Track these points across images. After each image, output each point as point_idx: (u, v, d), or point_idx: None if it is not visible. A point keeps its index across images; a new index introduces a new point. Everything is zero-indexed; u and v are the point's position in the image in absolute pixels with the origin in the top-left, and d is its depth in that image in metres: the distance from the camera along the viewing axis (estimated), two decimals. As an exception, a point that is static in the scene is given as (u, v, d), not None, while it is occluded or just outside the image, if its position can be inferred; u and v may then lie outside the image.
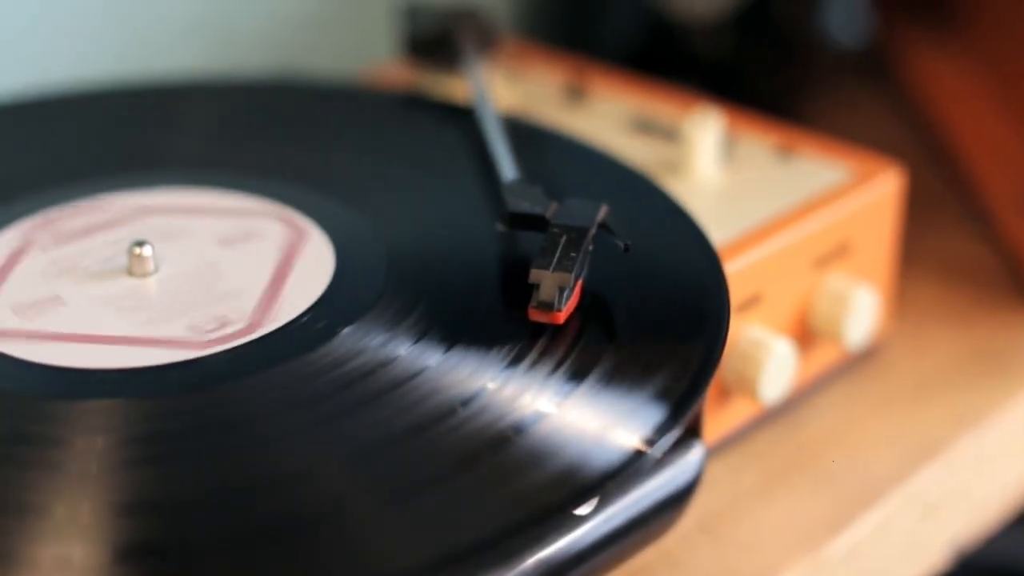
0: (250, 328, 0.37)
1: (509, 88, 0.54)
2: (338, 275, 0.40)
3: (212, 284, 0.39)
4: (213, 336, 0.37)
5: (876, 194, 0.48)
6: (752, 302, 0.44)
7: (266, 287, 0.39)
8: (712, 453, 0.44)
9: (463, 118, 0.49)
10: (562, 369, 0.36)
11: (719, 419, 0.45)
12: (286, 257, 0.41)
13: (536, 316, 0.37)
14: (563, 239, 0.38)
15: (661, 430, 0.35)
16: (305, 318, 0.38)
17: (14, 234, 0.42)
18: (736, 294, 0.42)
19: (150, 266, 0.40)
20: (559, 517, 0.33)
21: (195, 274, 0.40)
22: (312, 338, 0.37)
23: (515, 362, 0.36)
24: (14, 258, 0.41)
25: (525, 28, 0.69)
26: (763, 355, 0.44)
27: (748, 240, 0.44)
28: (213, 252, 0.41)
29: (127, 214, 0.43)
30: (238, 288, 0.39)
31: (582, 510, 0.33)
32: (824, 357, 0.48)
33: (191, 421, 0.35)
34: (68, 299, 0.39)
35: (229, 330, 0.37)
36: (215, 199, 0.44)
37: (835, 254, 0.47)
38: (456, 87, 0.53)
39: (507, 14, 0.69)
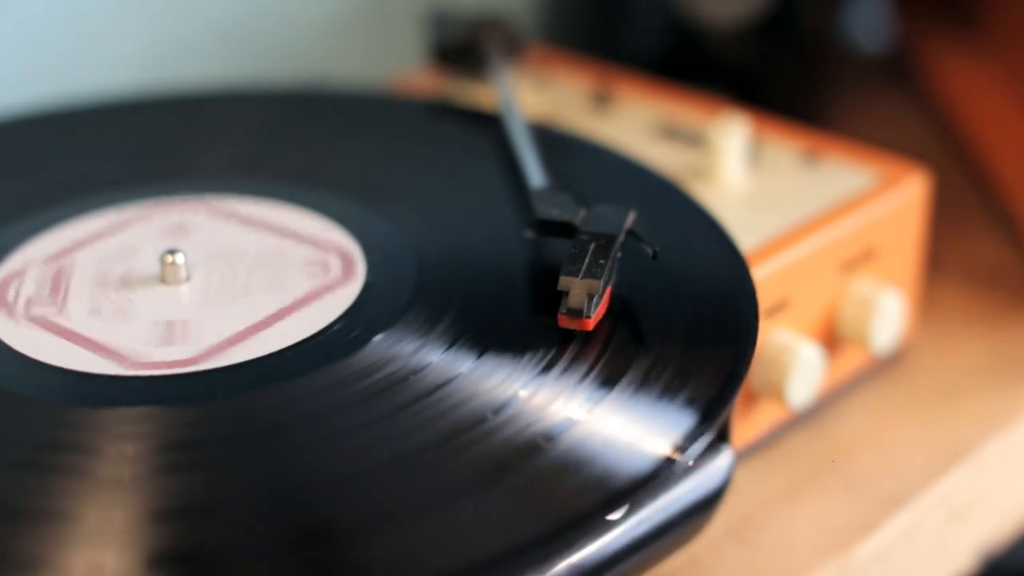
0: (282, 336, 0.38)
1: (536, 95, 0.55)
2: (369, 283, 0.40)
3: (244, 292, 0.40)
4: (244, 345, 0.37)
5: (902, 198, 0.48)
6: (779, 307, 0.45)
7: (299, 296, 0.39)
8: (740, 457, 0.44)
9: (490, 125, 0.49)
10: (592, 376, 0.36)
11: (747, 424, 0.45)
12: (317, 265, 0.41)
13: (565, 323, 0.37)
14: (592, 246, 0.39)
15: (692, 436, 0.35)
16: (337, 326, 0.38)
17: (61, 236, 0.42)
18: (763, 299, 0.42)
19: (182, 274, 0.40)
20: (589, 523, 0.33)
21: (226, 281, 0.40)
22: (344, 346, 0.37)
23: (546, 369, 0.36)
24: (58, 257, 0.41)
25: (551, 35, 0.69)
26: (790, 360, 0.44)
27: (775, 245, 0.44)
28: (243, 259, 0.41)
29: (158, 222, 0.43)
30: (270, 296, 0.39)
31: (612, 516, 0.33)
32: (851, 361, 0.48)
33: (223, 428, 0.35)
34: (101, 306, 0.39)
35: (261, 338, 0.38)
36: (245, 207, 0.44)
37: (862, 258, 0.47)
38: (483, 94, 0.53)
39: (533, 21, 0.69)
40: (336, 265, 0.41)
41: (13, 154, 0.49)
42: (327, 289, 0.40)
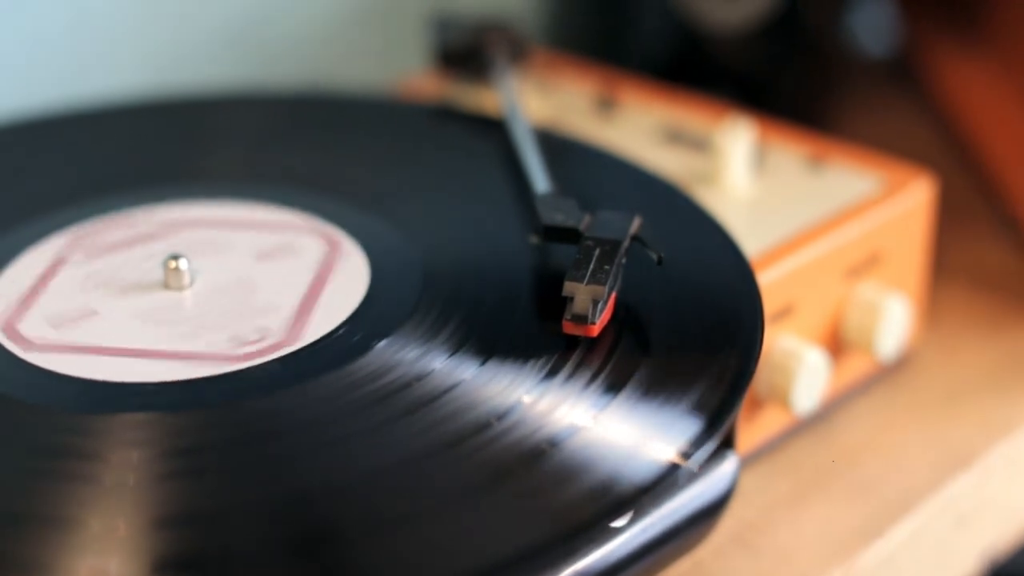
0: (285, 342, 0.38)
1: (540, 99, 0.55)
2: (373, 288, 0.40)
3: (248, 298, 0.40)
4: (248, 350, 0.37)
5: (908, 203, 0.48)
6: (784, 312, 0.44)
7: (302, 301, 0.39)
8: (745, 463, 0.44)
9: (494, 130, 0.49)
10: (597, 382, 0.36)
11: (752, 429, 0.45)
12: (322, 271, 0.41)
13: (570, 329, 0.37)
14: (597, 251, 0.38)
15: (697, 443, 0.35)
16: (340, 332, 0.38)
17: (50, 247, 0.42)
18: (768, 305, 0.42)
19: (186, 279, 0.40)
20: (594, 530, 0.33)
21: (231, 288, 0.40)
22: (347, 352, 0.37)
23: (550, 375, 0.36)
24: (51, 271, 0.41)
25: (555, 39, 0.69)
26: (795, 365, 0.44)
27: (780, 251, 0.44)
28: (249, 265, 0.41)
29: (162, 227, 0.43)
30: (274, 302, 0.39)
31: (617, 523, 0.33)
32: (856, 367, 0.48)
33: (226, 435, 0.35)
34: (104, 312, 0.39)
35: (264, 344, 0.38)
36: (249, 212, 0.44)
37: (867, 264, 0.47)
38: (487, 98, 0.53)
39: (537, 25, 0.69)
40: (339, 274, 0.40)
41: (16, 158, 0.49)
42: (330, 296, 0.39)
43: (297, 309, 0.39)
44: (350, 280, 0.40)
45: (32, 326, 0.39)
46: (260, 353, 0.37)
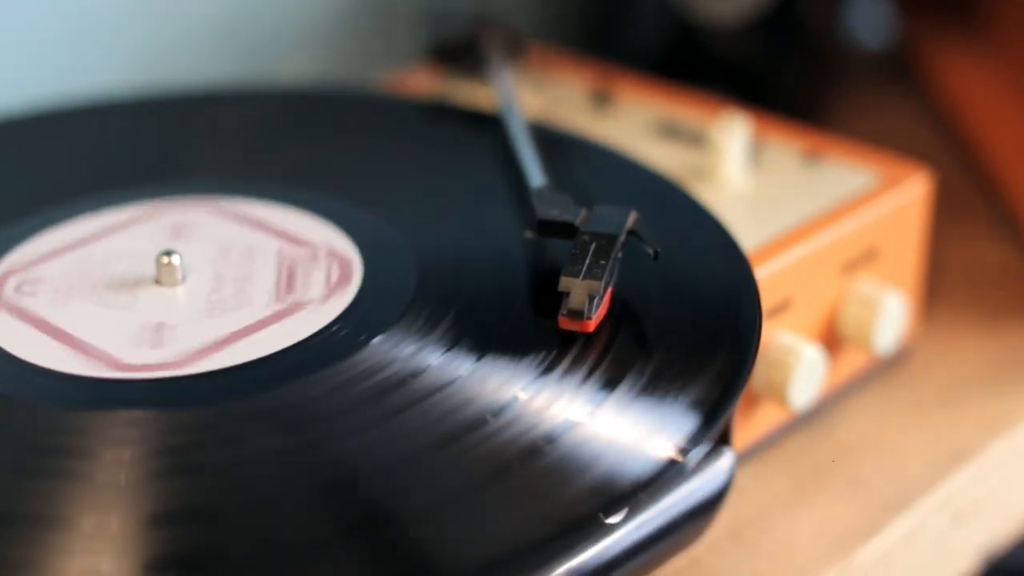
0: (279, 338, 0.37)
1: (535, 94, 0.54)
2: (367, 284, 0.40)
3: (240, 294, 0.39)
4: (241, 346, 0.37)
5: (904, 198, 0.48)
6: (780, 308, 0.44)
7: (296, 299, 0.39)
8: (741, 459, 0.44)
9: (490, 125, 0.49)
10: (593, 378, 0.36)
11: (748, 425, 0.45)
12: (314, 267, 0.41)
13: (566, 324, 0.37)
14: (592, 246, 0.38)
15: (694, 439, 0.34)
16: (335, 328, 0.38)
17: (45, 242, 0.42)
18: (765, 300, 0.42)
19: (178, 275, 0.40)
20: (590, 526, 0.33)
21: (223, 284, 0.40)
22: (342, 348, 0.37)
23: (546, 371, 0.36)
24: (53, 257, 0.41)
25: (550, 34, 0.69)
26: (792, 361, 0.44)
27: (776, 246, 0.44)
28: (241, 262, 0.41)
29: (156, 222, 0.43)
30: (267, 298, 0.39)
31: (613, 519, 0.33)
32: (853, 362, 0.48)
33: (220, 432, 0.35)
34: (95, 308, 0.39)
35: (257, 340, 0.37)
36: (242, 208, 0.44)
37: (863, 259, 0.47)
38: (482, 94, 0.53)
39: (532, 20, 0.69)
40: (334, 270, 0.40)
41: (9, 154, 0.49)
42: (324, 294, 0.39)
43: (291, 307, 0.39)
44: (344, 276, 0.40)
45: (23, 316, 0.39)
46: (253, 350, 0.37)
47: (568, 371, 0.36)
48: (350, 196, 0.44)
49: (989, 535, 0.48)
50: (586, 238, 0.39)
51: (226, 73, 0.62)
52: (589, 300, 0.37)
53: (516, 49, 0.55)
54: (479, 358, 0.36)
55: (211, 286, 0.40)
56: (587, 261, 0.38)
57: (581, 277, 0.37)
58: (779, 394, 0.44)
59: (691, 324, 0.38)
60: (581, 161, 0.47)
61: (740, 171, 0.48)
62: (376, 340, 0.37)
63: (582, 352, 0.37)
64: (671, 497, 0.35)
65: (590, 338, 0.37)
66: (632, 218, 0.40)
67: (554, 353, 0.37)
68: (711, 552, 0.42)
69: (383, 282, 0.40)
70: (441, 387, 0.35)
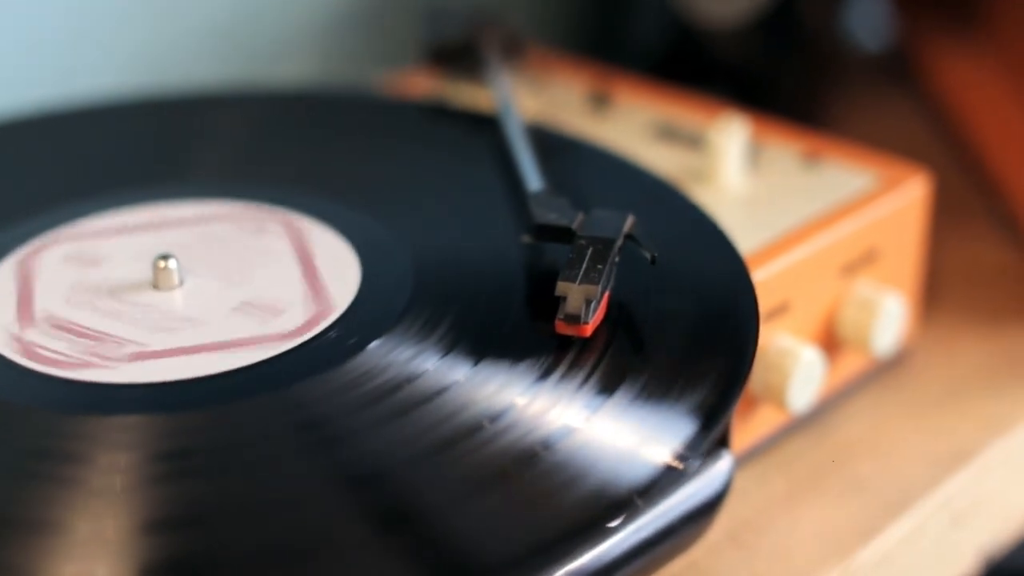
0: (275, 343, 0.37)
1: (533, 96, 0.54)
2: (364, 288, 0.39)
3: (237, 299, 0.39)
4: (237, 352, 0.37)
5: (903, 200, 0.48)
6: (779, 310, 0.44)
7: (293, 302, 0.39)
8: (740, 462, 0.44)
9: (487, 127, 0.49)
10: (590, 382, 0.36)
11: (747, 428, 0.45)
12: (311, 270, 0.40)
13: (563, 329, 0.37)
14: (589, 251, 0.38)
15: (692, 444, 0.34)
16: (331, 332, 0.38)
17: (39, 245, 0.42)
18: (763, 303, 0.42)
19: (175, 279, 0.40)
20: (588, 531, 0.33)
21: (220, 288, 0.40)
22: (338, 353, 0.37)
23: (543, 376, 0.36)
24: (39, 270, 0.41)
25: (549, 35, 0.69)
26: (791, 364, 0.43)
27: (775, 248, 0.44)
28: (238, 265, 0.41)
29: (153, 226, 0.43)
30: (263, 303, 0.39)
31: (611, 523, 0.33)
32: (852, 365, 0.48)
33: (215, 437, 0.35)
34: (90, 311, 0.39)
35: (253, 346, 0.37)
36: (238, 210, 0.44)
37: (862, 261, 0.47)
38: (480, 96, 0.53)
39: (530, 22, 0.69)
40: (331, 273, 0.40)
41: (7, 155, 0.49)
42: (320, 298, 0.39)
43: (288, 311, 0.39)
44: (341, 280, 0.40)
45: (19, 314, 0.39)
46: (249, 355, 0.37)
47: (565, 376, 0.36)
48: (347, 198, 0.44)
49: (989, 536, 0.48)
50: (583, 242, 0.39)
51: (225, 75, 0.62)
52: (586, 305, 0.37)
53: (514, 51, 0.55)
54: (476, 363, 0.36)
55: (208, 289, 0.40)
56: (584, 266, 0.38)
57: (578, 282, 0.37)
58: (778, 397, 0.44)
59: (688, 328, 0.38)
60: (579, 163, 0.47)
61: (739, 173, 0.48)
62: (373, 344, 0.37)
63: (579, 357, 0.37)
64: (669, 500, 0.35)
65: (587, 343, 0.37)
66: (629, 222, 0.39)
67: (551, 358, 0.36)
68: (710, 555, 0.42)
69: (380, 286, 0.40)
70: (438, 392, 0.35)
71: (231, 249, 0.42)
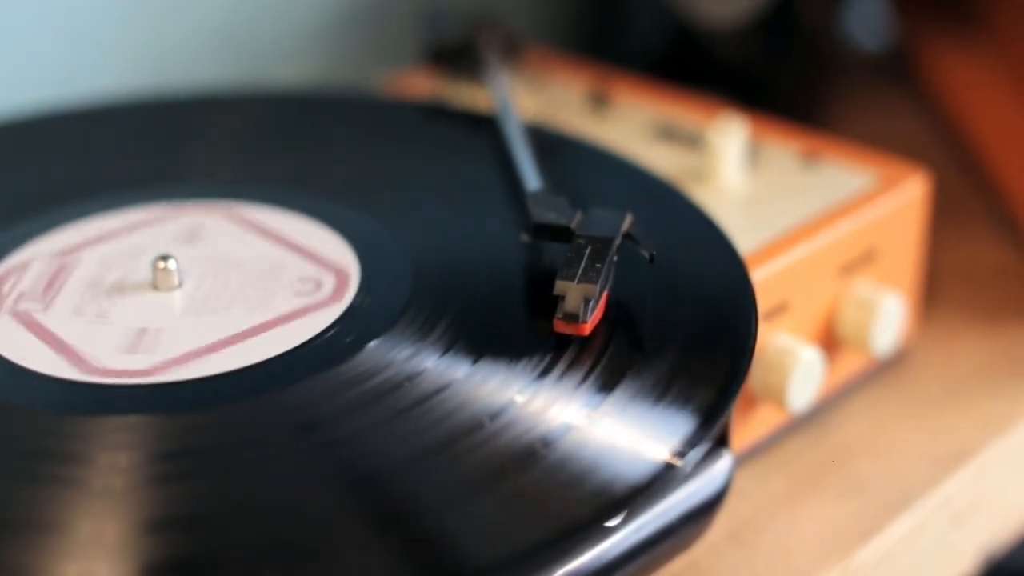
0: (275, 343, 0.37)
1: (532, 96, 0.54)
2: (363, 288, 0.39)
3: (236, 298, 0.39)
4: (237, 351, 0.37)
5: (902, 200, 0.48)
6: (778, 310, 0.44)
7: (292, 303, 0.39)
8: (740, 461, 0.44)
9: (486, 127, 0.49)
10: (589, 381, 0.36)
11: (747, 427, 0.45)
12: (311, 270, 0.40)
13: (562, 328, 0.37)
14: (588, 250, 0.38)
15: (691, 442, 0.34)
16: (331, 332, 0.38)
17: (55, 240, 0.42)
18: (762, 302, 0.42)
19: (174, 280, 0.40)
20: (587, 530, 0.33)
21: (219, 288, 0.40)
22: (338, 352, 0.37)
23: (542, 374, 0.36)
24: (51, 261, 0.41)
25: (548, 35, 0.69)
26: (790, 363, 0.43)
27: (774, 248, 0.44)
28: (237, 265, 0.41)
29: (152, 227, 0.43)
30: (263, 302, 0.39)
31: (611, 522, 0.33)
32: (851, 364, 0.48)
33: (215, 437, 0.35)
34: (91, 312, 0.39)
35: (253, 345, 0.37)
36: (239, 211, 0.44)
37: (861, 261, 0.47)
38: (479, 96, 0.53)
39: (530, 22, 0.69)
40: (330, 281, 0.40)
41: (11, 155, 0.49)
42: (320, 298, 0.39)
43: (287, 311, 0.39)
44: (340, 279, 0.40)
45: (16, 317, 0.39)
46: (249, 354, 0.37)
47: (564, 374, 0.36)
48: (346, 198, 0.44)
49: (989, 535, 0.48)
50: (582, 241, 0.39)
51: (225, 75, 0.62)
52: (585, 304, 0.37)
53: (513, 51, 0.55)
54: (475, 361, 0.36)
55: (207, 290, 0.40)
56: (583, 265, 0.38)
57: (577, 281, 0.37)
58: (777, 396, 0.44)
59: (687, 327, 0.38)
60: (577, 164, 0.47)
61: (738, 173, 0.48)
62: (372, 344, 0.37)
63: (578, 355, 0.37)
64: (669, 500, 0.35)
65: (586, 342, 0.37)
66: (628, 221, 0.39)
67: (550, 357, 0.36)
68: (710, 554, 0.42)
69: (379, 285, 0.40)
70: (437, 391, 0.35)
71: (229, 250, 0.42)
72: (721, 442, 0.38)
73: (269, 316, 0.38)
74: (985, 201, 0.60)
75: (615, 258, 0.38)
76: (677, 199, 0.44)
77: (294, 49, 0.64)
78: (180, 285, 0.40)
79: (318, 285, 0.40)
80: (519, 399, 0.35)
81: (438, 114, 0.51)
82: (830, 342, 0.47)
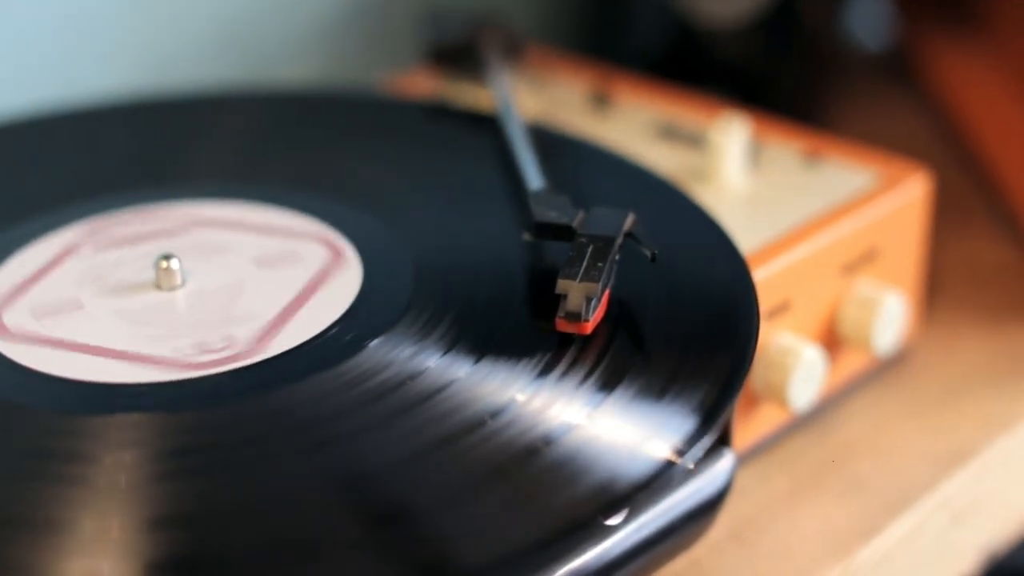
0: (280, 341, 0.37)
1: (533, 96, 0.54)
2: (365, 287, 0.39)
3: (238, 298, 0.39)
4: (240, 350, 0.37)
5: (904, 199, 0.48)
6: (780, 309, 0.44)
7: (296, 297, 0.39)
8: (742, 460, 0.44)
9: (488, 126, 0.49)
10: (591, 380, 0.36)
11: (748, 426, 0.45)
12: (314, 271, 0.40)
13: (564, 327, 0.37)
14: (590, 249, 0.38)
15: (692, 440, 0.34)
16: (333, 331, 0.38)
17: (59, 240, 0.42)
18: (764, 301, 0.42)
19: (177, 279, 0.40)
20: (589, 528, 0.33)
21: (222, 287, 0.40)
22: (340, 351, 0.37)
23: (544, 373, 0.36)
24: (54, 262, 0.41)
25: (549, 35, 0.69)
26: (792, 362, 0.44)
27: (776, 247, 0.44)
28: (240, 265, 0.41)
29: (155, 226, 0.43)
30: (268, 300, 0.39)
31: (612, 520, 0.33)
32: (853, 363, 0.48)
33: (219, 435, 0.35)
34: (91, 308, 0.39)
35: (258, 343, 0.37)
36: (240, 211, 0.44)
37: (863, 260, 0.47)
38: (481, 95, 0.53)
39: (531, 22, 0.69)
40: (332, 273, 0.40)
41: (11, 155, 0.49)
42: (323, 295, 0.39)
43: (288, 310, 0.39)
44: (342, 279, 0.40)
45: (15, 316, 0.39)
46: (253, 353, 0.37)
47: (566, 373, 0.36)
48: (348, 198, 0.44)
49: (989, 535, 0.48)
50: (583, 240, 0.39)
51: (226, 76, 0.62)
52: (586, 302, 0.37)
53: (514, 51, 0.55)
54: (477, 360, 0.36)
55: (210, 290, 0.40)
56: (584, 263, 0.38)
57: (578, 279, 0.37)
58: (779, 395, 0.44)
59: (689, 326, 0.38)
60: (579, 163, 0.47)
61: (739, 172, 0.48)
62: (374, 343, 0.37)
63: (580, 354, 0.37)
64: (671, 498, 0.35)
65: (588, 340, 0.37)
66: (629, 220, 0.40)
67: (552, 355, 0.37)
68: (711, 553, 0.42)
69: (381, 284, 0.40)
70: (439, 389, 0.35)
71: (232, 250, 0.42)
72: (723, 441, 0.38)
73: (269, 316, 0.39)
74: (986, 200, 0.60)
75: (617, 257, 0.38)
76: (679, 198, 0.44)
77: (297, 50, 0.64)
78: (183, 284, 0.40)
79: (319, 284, 0.40)
80: (520, 398, 0.35)
81: (440, 114, 0.51)
82: (831, 341, 0.47)
